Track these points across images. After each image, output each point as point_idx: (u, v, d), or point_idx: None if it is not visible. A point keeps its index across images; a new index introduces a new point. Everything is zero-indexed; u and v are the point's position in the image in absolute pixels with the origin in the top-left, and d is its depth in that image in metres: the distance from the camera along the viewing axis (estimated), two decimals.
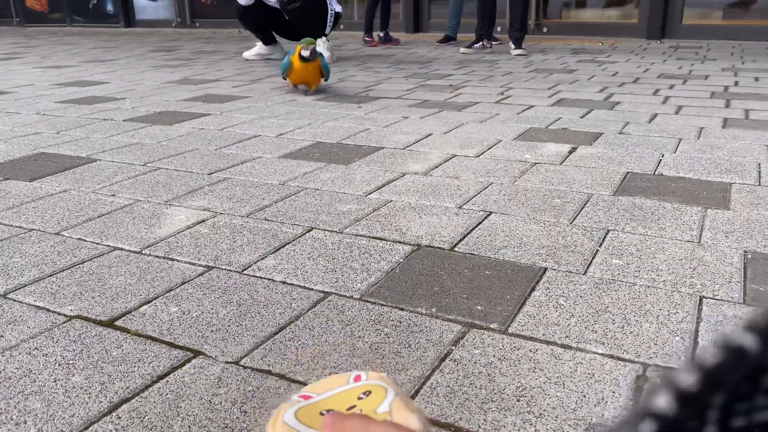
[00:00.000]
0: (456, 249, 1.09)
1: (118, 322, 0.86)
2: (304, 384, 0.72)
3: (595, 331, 0.82)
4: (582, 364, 0.75)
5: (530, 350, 0.78)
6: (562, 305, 0.88)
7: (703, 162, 1.58)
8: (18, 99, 2.74)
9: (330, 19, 3.94)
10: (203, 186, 1.47)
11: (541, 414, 0.66)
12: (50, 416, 0.67)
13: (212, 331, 0.84)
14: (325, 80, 2.74)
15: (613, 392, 0.70)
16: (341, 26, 5.96)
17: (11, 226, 1.24)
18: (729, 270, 0.98)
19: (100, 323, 0.86)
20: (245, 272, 1.01)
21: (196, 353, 0.79)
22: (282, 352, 0.78)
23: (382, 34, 5.24)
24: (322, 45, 3.79)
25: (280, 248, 1.10)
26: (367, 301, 0.91)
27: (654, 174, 1.50)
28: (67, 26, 8.40)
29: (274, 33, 4.17)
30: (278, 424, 0.45)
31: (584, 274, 0.98)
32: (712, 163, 1.57)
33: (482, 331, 0.82)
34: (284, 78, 2.73)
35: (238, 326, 0.85)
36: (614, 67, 3.52)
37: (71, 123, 2.21)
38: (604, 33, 5.35)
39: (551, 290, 0.93)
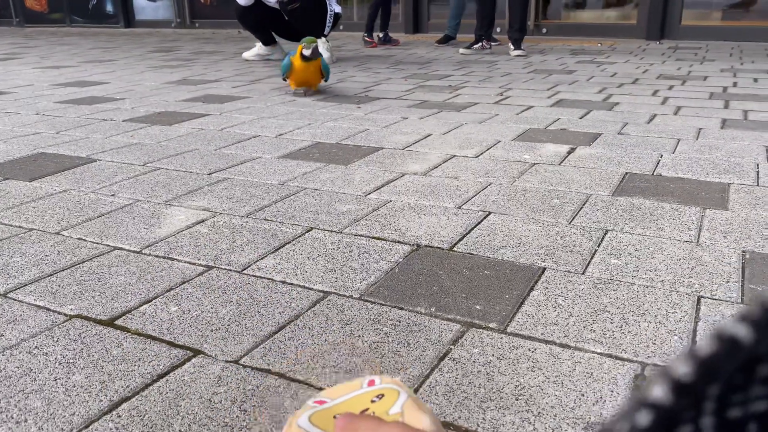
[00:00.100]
0: (455, 249, 1.09)
1: (118, 322, 0.87)
2: (304, 383, 0.72)
3: (594, 331, 0.82)
4: (580, 363, 0.75)
5: (529, 349, 0.78)
6: (561, 305, 0.89)
7: (702, 162, 1.59)
8: (17, 99, 2.74)
9: (329, 19, 3.95)
10: (203, 186, 1.47)
11: (539, 413, 0.67)
12: (50, 415, 0.68)
13: (212, 331, 0.84)
14: (325, 80, 2.74)
15: (612, 391, 0.70)
16: (340, 27, 5.96)
17: (11, 225, 1.24)
18: (727, 270, 0.99)
19: (100, 322, 0.86)
20: (245, 272, 1.01)
21: (196, 352, 0.79)
22: (281, 352, 0.79)
23: (381, 35, 5.25)
24: (321, 46, 3.79)
25: (279, 248, 1.11)
26: (366, 301, 0.91)
27: (653, 174, 1.50)
28: (66, 26, 8.40)
29: (273, 33, 4.17)
30: (293, 428, 0.46)
31: (583, 273, 0.98)
32: (711, 163, 1.58)
33: (481, 330, 0.83)
34: (284, 79, 2.73)
35: (237, 325, 0.85)
36: (613, 68, 3.53)
37: (71, 123, 2.21)
38: (604, 34, 5.36)
39: (550, 290, 0.93)
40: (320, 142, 1.89)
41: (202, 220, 1.25)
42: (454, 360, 0.76)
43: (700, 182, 1.43)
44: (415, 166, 1.60)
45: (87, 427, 0.66)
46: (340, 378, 0.73)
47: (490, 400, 0.69)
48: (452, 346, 0.79)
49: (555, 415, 0.66)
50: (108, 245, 1.13)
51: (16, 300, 0.93)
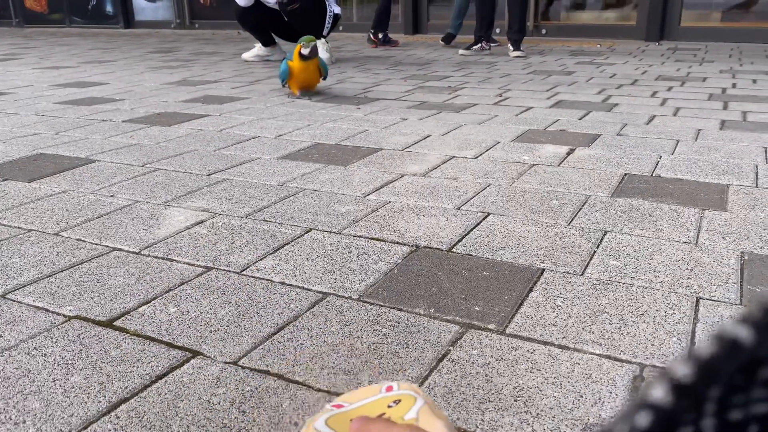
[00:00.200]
0: (454, 250, 1.09)
1: (117, 323, 0.87)
2: (303, 384, 0.72)
3: (593, 332, 0.82)
4: (579, 364, 0.75)
5: (528, 351, 0.78)
6: (560, 306, 0.89)
7: (701, 164, 1.59)
8: (17, 100, 2.74)
9: (329, 20, 3.95)
10: (202, 187, 1.47)
11: (538, 414, 0.67)
12: (49, 416, 0.68)
13: (211, 332, 0.84)
14: (324, 79, 2.73)
15: (610, 392, 0.70)
16: (340, 28, 5.96)
17: (10, 226, 1.24)
18: (726, 271, 0.99)
19: (99, 323, 0.86)
20: (244, 273, 1.01)
21: (195, 353, 0.79)
22: (280, 353, 0.79)
23: (381, 36, 5.24)
24: (321, 46, 3.79)
25: (278, 249, 1.11)
26: (365, 302, 0.91)
27: (651, 175, 1.50)
28: (66, 27, 8.40)
29: (273, 34, 4.17)
30: (310, 431, 0.46)
31: (582, 275, 0.98)
32: (710, 164, 1.58)
33: (480, 331, 0.83)
34: (284, 85, 2.72)
35: (236, 326, 0.85)
36: (612, 69, 3.53)
37: (70, 124, 2.21)
38: (603, 35, 5.36)
39: (549, 291, 0.93)
40: (319, 143, 1.89)
41: (201, 221, 1.25)
42: (452, 361, 0.76)
43: (699, 183, 1.43)
44: (414, 167, 1.60)
45: (86, 428, 0.66)
46: (343, 378, 0.73)
47: (489, 401, 0.69)
48: (451, 348, 0.79)
49: (554, 417, 0.66)
50: (107, 246, 1.13)
51: (14, 301, 0.93)
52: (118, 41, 6.07)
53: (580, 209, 1.28)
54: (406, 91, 2.85)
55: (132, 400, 0.70)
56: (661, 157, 1.66)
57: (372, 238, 1.15)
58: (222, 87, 3.04)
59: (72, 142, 1.94)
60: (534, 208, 1.29)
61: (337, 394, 0.70)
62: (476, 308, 0.89)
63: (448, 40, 5.15)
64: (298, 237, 1.16)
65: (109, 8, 8.12)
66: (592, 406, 0.68)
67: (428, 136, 1.94)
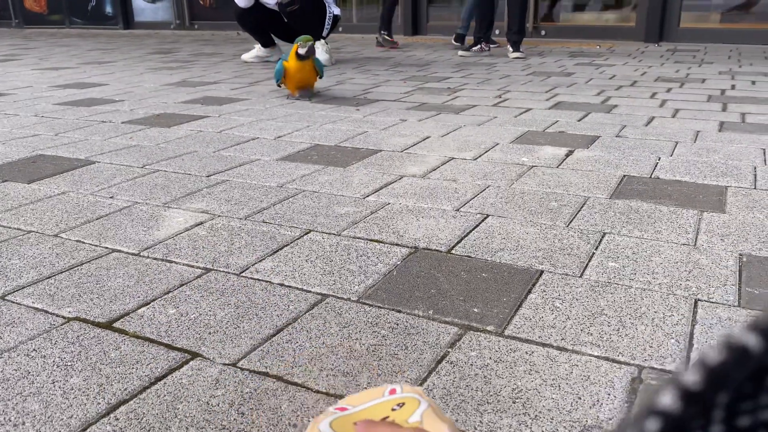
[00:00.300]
0: (453, 251, 1.09)
1: (117, 324, 0.87)
2: (302, 386, 0.72)
3: (591, 334, 0.82)
4: (578, 366, 0.75)
5: (526, 352, 0.78)
6: (558, 308, 0.89)
7: (700, 165, 1.59)
8: (16, 101, 2.75)
9: (328, 21, 3.95)
10: (201, 188, 1.47)
11: (536, 416, 0.67)
12: (48, 418, 0.68)
13: (210, 333, 0.84)
14: (320, 77, 2.72)
15: (609, 394, 0.70)
16: (339, 29, 5.97)
17: (10, 228, 1.24)
18: (724, 273, 0.99)
19: (98, 325, 0.87)
20: (243, 274, 1.02)
21: (194, 355, 0.79)
22: (279, 354, 0.79)
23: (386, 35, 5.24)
24: (320, 47, 3.79)
25: (277, 250, 1.11)
26: (364, 304, 0.91)
27: (650, 177, 1.50)
28: (65, 28, 8.40)
29: (272, 35, 4.18)
30: None
31: (580, 276, 0.99)
32: (709, 166, 1.58)
33: (479, 333, 0.83)
34: (279, 85, 2.72)
35: (235, 328, 0.85)
36: (612, 70, 3.53)
37: (69, 125, 2.21)
38: (602, 36, 5.37)
39: (547, 293, 0.94)
40: (319, 144, 1.89)
41: (201, 223, 1.25)
42: (451, 363, 0.76)
43: (697, 185, 1.43)
44: (413, 169, 1.61)
45: (84, 429, 0.66)
46: (342, 380, 0.73)
47: (487, 403, 0.69)
48: (450, 349, 0.79)
49: (552, 419, 0.66)
50: (106, 247, 1.13)
51: (14, 302, 0.93)
52: (118, 42, 6.07)
53: (579, 211, 1.28)
54: (405, 93, 2.86)
55: (131, 402, 0.70)
56: (659, 159, 1.66)
57: (371, 240, 1.15)
58: (221, 88, 3.04)
59: (71, 143, 1.94)
60: (533, 210, 1.29)
61: (336, 396, 0.70)
62: (475, 310, 0.89)
63: (460, 40, 5.14)
64: (298, 238, 1.16)
65: (108, 9, 8.12)
66: (590, 407, 0.68)
67: (427, 138, 1.95)
